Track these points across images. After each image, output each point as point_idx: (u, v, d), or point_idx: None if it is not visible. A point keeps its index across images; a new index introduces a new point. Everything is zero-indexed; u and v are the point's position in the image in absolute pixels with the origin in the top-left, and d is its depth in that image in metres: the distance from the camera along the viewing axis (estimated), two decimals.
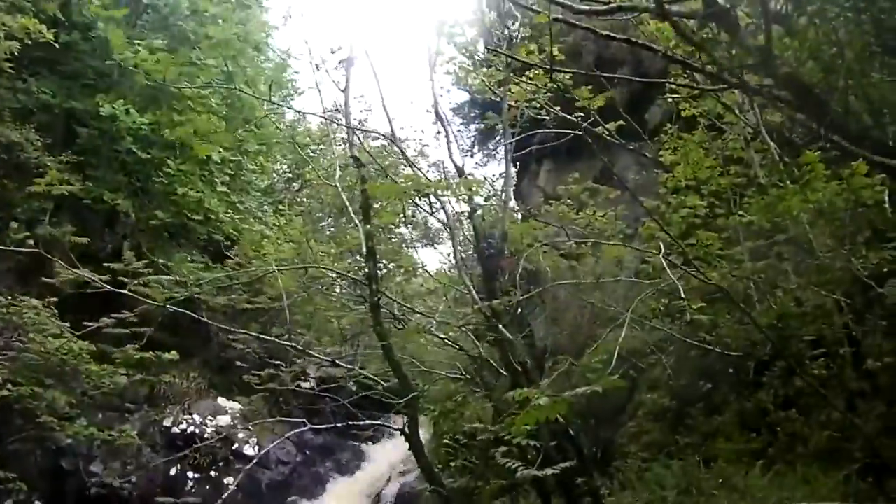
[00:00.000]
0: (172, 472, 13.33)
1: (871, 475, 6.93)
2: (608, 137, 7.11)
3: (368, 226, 7.04)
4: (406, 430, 6.44)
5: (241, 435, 13.79)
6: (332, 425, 8.04)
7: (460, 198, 8.62)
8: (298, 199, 22.79)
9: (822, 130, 4.48)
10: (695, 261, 5.97)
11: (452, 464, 11.24)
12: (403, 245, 20.77)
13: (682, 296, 5.02)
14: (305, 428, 6.57)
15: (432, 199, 8.74)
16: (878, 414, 7.49)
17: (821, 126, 4.49)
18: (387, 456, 14.16)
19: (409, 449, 6.51)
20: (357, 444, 14.56)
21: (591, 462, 7.24)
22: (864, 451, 7.16)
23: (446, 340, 8.66)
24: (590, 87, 7.62)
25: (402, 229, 21.66)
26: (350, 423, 8.09)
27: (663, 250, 5.57)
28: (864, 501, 6.40)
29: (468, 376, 9.16)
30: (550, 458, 6.32)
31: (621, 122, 7.40)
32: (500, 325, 7.27)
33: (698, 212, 8.44)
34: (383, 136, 9.96)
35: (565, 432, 6.72)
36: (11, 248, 9.60)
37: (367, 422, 7.59)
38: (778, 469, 7.70)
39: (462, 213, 9.25)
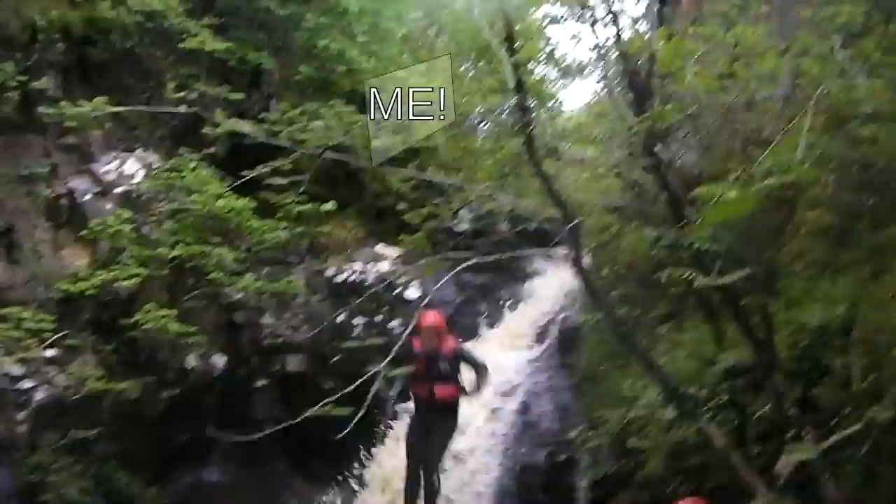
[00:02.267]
0: (340, 319, 13.78)
1: None
2: None
3: (514, 58, 6.95)
4: (571, 257, 6.46)
5: (402, 279, 14.10)
6: (498, 255, 8.11)
7: (605, 22, 8.43)
8: (437, 45, 22.63)
9: None
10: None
11: (613, 293, 11.30)
12: (545, 85, 20.59)
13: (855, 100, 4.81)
14: (470, 261, 6.63)
15: (575, 30, 8.58)
16: None
17: None
18: (545, 293, 14.30)
19: (576, 274, 6.54)
20: (516, 282, 14.72)
21: (757, 281, 7.15)
22: None
23: (600, 169, 8.61)
24: None
25: (543, 68, 21.45)
26: (515, 253, 8.15)
27: (838, 44, 5.32)
28: None
29: (624, 205, 9.11)
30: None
31: None
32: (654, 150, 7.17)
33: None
34: None
35: (728, 252, 6.63)
36: (168, 111, 9.84)
37: (534, 249, 7.60)
38: None
39: (607, 39, 9.04)
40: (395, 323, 13.17)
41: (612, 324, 6.96)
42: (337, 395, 5.54)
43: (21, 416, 11.68)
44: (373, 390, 5.55)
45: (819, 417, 6.63)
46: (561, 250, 12.45)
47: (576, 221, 6.17)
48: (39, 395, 11.82)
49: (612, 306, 7.39)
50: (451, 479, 12.30)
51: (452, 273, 7.43)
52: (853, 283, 7.98)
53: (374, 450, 13.41)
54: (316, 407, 6.05)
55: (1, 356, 11.45)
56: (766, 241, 9.74)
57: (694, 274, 6.10)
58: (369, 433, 13.39)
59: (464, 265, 6.80)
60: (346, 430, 5.86)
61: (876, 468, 6.36)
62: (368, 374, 5.47)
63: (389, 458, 13.15)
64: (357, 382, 5.55)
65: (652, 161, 7.30)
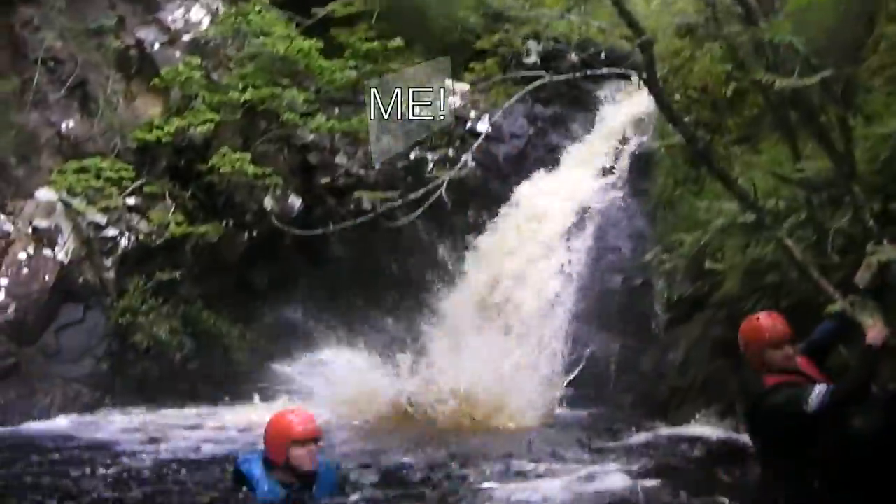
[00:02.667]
0: (412, 155, 13.82)
1: None
2: None
3: None
4: (644, 76, 6.35)
5: (473, 113, 14.05)
6: (569, 75, 8.07)
7: None
8: None
9: None
10: None
11: (687, 119, 11.16)
12: None
13: None
14: (541, 81, 6.57)
15: None
16: None
17: None
18: (617, 121, 14.14)
19: (650, 92, 6.45)
20: (586, 112, 14.55)
21: (836, 96, 7.00)
22: None
23: None
24: None
25: None
26: (587, 72, 8.06)
27: None
28: None
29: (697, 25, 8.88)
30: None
31: None
32: None
33: None
34: None
35: (805, 63, 6.46)
36: None
37: (605, 70, 7.49)
38: None
39: None
40: (466, 156, 13.18)
41: (687, 141, 6.88)
42: (404, 199, 5.65)
43: (108, 262, 12.12)
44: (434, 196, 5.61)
45: None
46: (633, 78, 12.32)
47: (648, 38, 6.05)
48: (124, 242, 12.24)
49: (687, 124, 7.30)
50: (528, 310, 12.55)
51: (523, 93, 7.35)
52: None
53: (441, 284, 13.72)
54: (382, 206, 6.15)
55: (84, 206, 11.80)
56: (845, 56, 9.52)
57: (772, 81, 6.00)
58: (441, 269, 13.70)
59: (534, 85, 6.73)
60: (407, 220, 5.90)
61: None
62: (433, 183, 5.53)
63: (455, 294, 13.54)
64: (423, 190, 5.61)
65: None
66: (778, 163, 8.62)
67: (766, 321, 6.28)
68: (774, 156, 9.11)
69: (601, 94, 14.69)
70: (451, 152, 13.46)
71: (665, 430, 9.90)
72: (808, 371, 6.19)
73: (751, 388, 6.29)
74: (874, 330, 5.88)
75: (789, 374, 6.13)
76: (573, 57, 13.49)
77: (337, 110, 13.95)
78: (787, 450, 6.13)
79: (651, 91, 6.40)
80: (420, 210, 5.94)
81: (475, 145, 7.60)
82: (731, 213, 6.96)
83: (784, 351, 6.15)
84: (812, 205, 7.06)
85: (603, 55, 12.85)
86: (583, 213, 12.82)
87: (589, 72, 8.14)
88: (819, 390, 5.85)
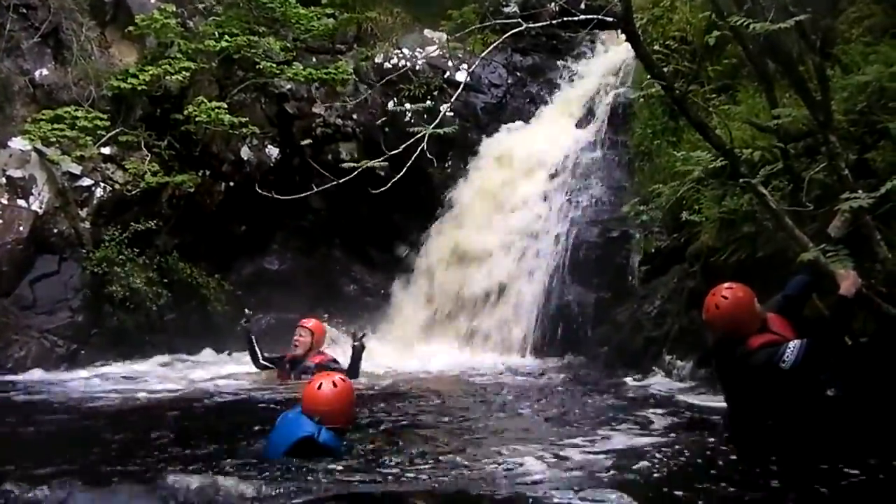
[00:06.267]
0: (390, 105, 13.73)
1: None
2: None
3: None
4: (622, 24, 6.29)
5: (450, 63, 13.96)
6: (547, 23, 8.03)
7: None
8: None
9: None
10: None
11: (665, 69, 11.14)
12: None
13: None
14: (519, 28, 6.50)
15: None
16: None
17: None
18: (595, 72, 14.13)
19: (627, 39, 6.39)
20: (565, 63, 14.51)
21: (813, 47, 6.97)
22: None
23: None
24: None
25: None
26: (566, 19, 7.94)
27: None
28: None
29: None
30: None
31: None
32: None
33: None
34: None
35: (784, 9, 6.41)
36: None
37: (583, 17, 7.40)
38: None
39: None
40: (444, 106, 13.14)
41: (665, 90, 6.86)
42: (385, 156, 5.63)
43: (83, 212, 12.02)
44: (418, 150, 5.60)
45: (873, 182, 6.58)
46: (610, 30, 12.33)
47: None
48: (99, 192, 12.15)
49: (666, 74, 7.25)
50: (505, 264, 12.58)
51: (501, 40, 7.26)
52: None
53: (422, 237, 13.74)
54: (363, 164, 6.13)
55: (59, 156, 11.68)
56: (824, 6, 9.47)
57: (748, 25, 5.99)
58: (419, 222, 13.70)
59: (512, 33, 6.66)
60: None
61: None
62: (415, 136, 5.51)
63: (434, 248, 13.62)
64: (405, 144, 5.60)
65: None
66: (755, 113, 8.61)
67: (735, 287, 6.35)
68: (752, 106, 9.10)
69: (581, 44, 14.65)
70: (428, 102, 13.34)
71: (639, 381, 9.95)
72: (781, 330, 6.21)
73: (730, 351, 6.28)
74: (847, 280, 5.88)
75: (771, 333, 6.16)
76: (552, 6, 13.41)
77: (314, 59, 13.84)
78: (762, 408, 6.16)
79: (629, 40, 6.35)
80: (404, 170, 5.93)
81: (454, 97, 7.50)
82: (708, 164, 6.95)
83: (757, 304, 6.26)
84: (788, 154, 7.05)
85: (582, 4, 12.82)
86: (560, 165, 12.83)
87: (566, 20, 7.99)
88: (793, 346, 5.88)
